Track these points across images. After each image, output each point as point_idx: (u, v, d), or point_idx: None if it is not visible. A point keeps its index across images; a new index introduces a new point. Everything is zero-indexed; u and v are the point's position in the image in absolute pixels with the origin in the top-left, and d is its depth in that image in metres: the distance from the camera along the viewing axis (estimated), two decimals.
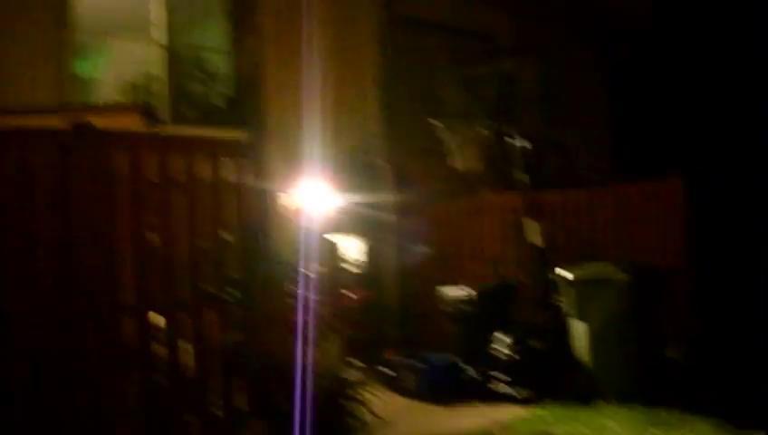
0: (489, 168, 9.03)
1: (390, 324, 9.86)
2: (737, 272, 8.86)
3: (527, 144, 8.22)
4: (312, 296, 5.33)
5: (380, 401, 6.16)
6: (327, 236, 8.14)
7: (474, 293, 8.44)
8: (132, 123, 6.00)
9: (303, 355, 5.05)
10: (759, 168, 10.47)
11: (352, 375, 5.92)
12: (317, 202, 7.05)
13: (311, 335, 5.21)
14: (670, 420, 6.22)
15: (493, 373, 7.72)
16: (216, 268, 4.99)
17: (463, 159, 8.23)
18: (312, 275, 5.33)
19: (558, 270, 7.68)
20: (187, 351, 4.85)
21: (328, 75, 8.82)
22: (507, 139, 8.28)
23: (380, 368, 8.09)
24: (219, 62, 9.61)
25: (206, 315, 4.93)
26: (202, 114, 9.16)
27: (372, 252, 9.43)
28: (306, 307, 5.18)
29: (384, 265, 10.17)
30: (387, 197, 10.22)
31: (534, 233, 8.18)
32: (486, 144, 8.28)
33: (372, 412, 5.28)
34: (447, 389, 7.78)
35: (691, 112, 11.52)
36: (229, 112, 9.29)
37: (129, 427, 4.67)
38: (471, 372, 7.95)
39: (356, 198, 9.18)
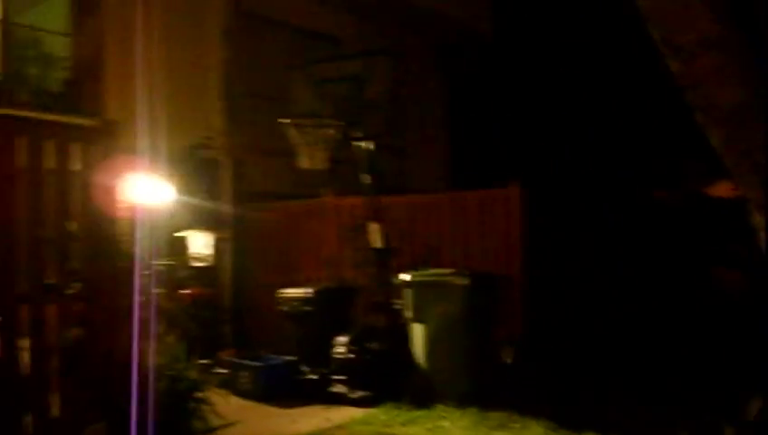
0: (333, 169, 9.04)
1: (229, 323, 9.69)
2: (555, 280, 9.33)
3: (371, 147, 8.29)
4: (157, 292, 5.17)
5: (218, 402, 6.05)
6: (170, 230, 7.92)
7: (311, 292, 8.43)
8: None
9: (147, 353, 4.88)
10: (584, 183, 11.05)
11: (195, 374, 5.78)
12: (161, 196, 6.84)
13: (154, 333, 5.04)
14: (503, 420, 6.43)
15: (331, 375, 7.73)
16: (59, 260, 4.73)
17: (308, 159, 8.20)
18: (158, 270, 5.17)
19: (398, 274, 7.78)
20: (24, 347, 4.56)
21: (171, 66, 8.55)
22: (352, 141, 8.32)
23: (217, 368, 7.93)
24: (57, 43, 9.12)
25: (46, 310, 4.65)
26: (36, 97, 8.65)
27: (215, 249, 9.22)
28: (150, 303, 5.01)
29: (225, 264, 9.98)
30: (228, 194, 10.04)
31: (375, 236, 8.25)
32: (332, 145, 8.28)
33: (216, 413, 5.17)
34: (284, 390, 7.72)
35: (526, 126, 12.02)
36: (65, 97, 8.83)
37: None
38: (309, 373, 7.93)
39: (197, 194, 8.96)
